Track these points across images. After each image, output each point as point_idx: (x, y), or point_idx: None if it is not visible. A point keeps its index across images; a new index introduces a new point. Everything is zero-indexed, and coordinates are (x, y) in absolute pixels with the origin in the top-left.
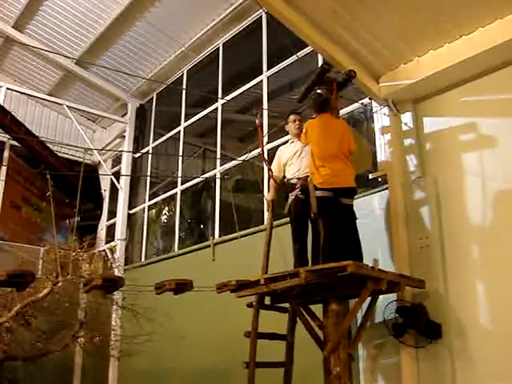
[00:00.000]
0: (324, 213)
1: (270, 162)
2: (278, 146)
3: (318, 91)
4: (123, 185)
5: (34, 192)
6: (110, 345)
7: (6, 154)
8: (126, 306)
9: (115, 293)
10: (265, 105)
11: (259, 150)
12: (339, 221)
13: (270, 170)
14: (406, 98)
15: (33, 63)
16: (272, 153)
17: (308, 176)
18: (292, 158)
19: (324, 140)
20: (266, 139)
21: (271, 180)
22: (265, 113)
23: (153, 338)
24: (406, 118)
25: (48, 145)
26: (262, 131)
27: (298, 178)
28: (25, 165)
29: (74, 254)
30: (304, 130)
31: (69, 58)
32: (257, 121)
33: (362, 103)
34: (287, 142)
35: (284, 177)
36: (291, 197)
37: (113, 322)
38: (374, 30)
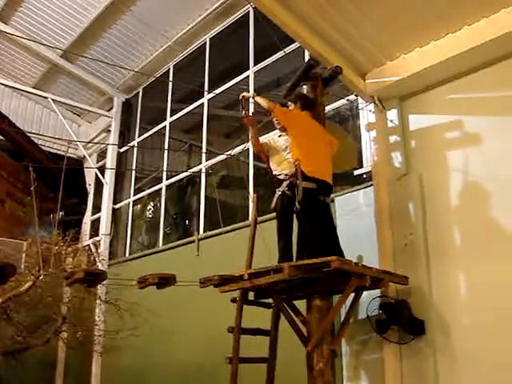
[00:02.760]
0: (307, 205)
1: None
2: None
3: (305, 92)
4: (108, 179)
5: (18, 186)
6: (93, 340)
7: None
8: (110, 300)
9: (98, 287)
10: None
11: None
12: (321, 217)
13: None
14: (392, 95)
15: (18, 56)
16: None
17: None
18: (282, 154)
19: (308, 133)
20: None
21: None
22: (251, 107)
23: (137, 334)
24: (392, 114)
25: (33, 139)
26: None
27: (286, 174)
28: (9, 159)
29: (56, 247)
30: (289, 112)
31: (55, 48)
32: (243, 113)
33: (347, 99)
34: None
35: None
36: (278, 192)
37: (96, 317)
38: (361, 27)
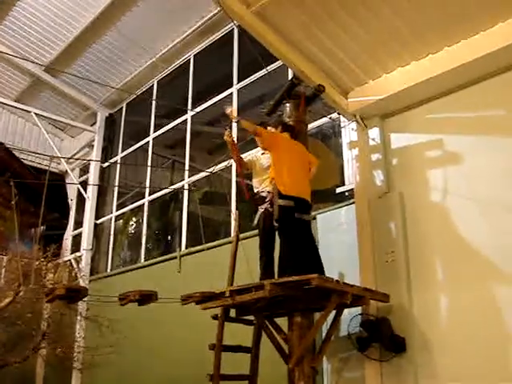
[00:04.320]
0: (286, 223)
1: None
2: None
3: (288, 110)
4: (90, 194)
5: None
6: (72, 356)
7: None
8: (90, 316)
9: (79, 303)
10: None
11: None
12: (300, 234)
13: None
14: (374, 114)
15: (0, 69)
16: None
17: None
18: (264, 172)
19: (289, 153)
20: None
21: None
22: (234, 125)
23: (117, 350)
24: (374, 133)
25: (14, 152)
26: (234, 141)
27: (268, 192)
28: None
29: (37, 263)
30: (273, 132)
31: (38, 64)
32: (226, 132)
33: (330, 118)
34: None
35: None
36: (260, 210)
37: (76, 334)
38: (344, 46)
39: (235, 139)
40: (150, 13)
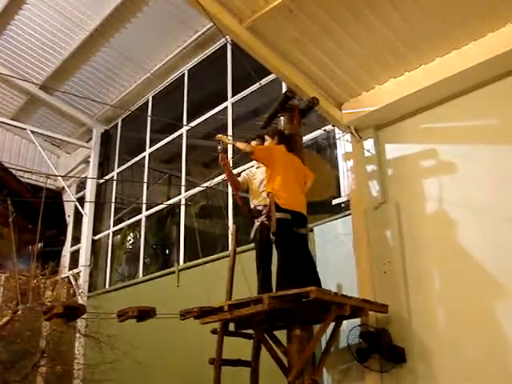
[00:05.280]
0: (283, 236)
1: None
2: (243, 171)
3: (282, 124)
4: (87, 210)
5: None
6: (72, 374)
7: None
8: (89, 333)
9: (78, 320)
10: (230, 131)
11: (225, 174)
12: (297, 247)
13: (237, 195)
14: (368, 125)
15: None
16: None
17: None
18: (260, 186)
19: (285, 166)
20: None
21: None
22: (229, 139)
23: (116, 367)
24: (369, 144)
25: (11, 170)
26: (227, 156)
27: (265, 205)
28: None
29: (35, 281)
30: (268, 148)
31: (33, 83)
32: (219, 147)
33: (325, 130)
34: (252, 166)
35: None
36: (257, 223)
37: (75, 351)
38: (336, 59)
39: (230, 163)
40: (144, 29)
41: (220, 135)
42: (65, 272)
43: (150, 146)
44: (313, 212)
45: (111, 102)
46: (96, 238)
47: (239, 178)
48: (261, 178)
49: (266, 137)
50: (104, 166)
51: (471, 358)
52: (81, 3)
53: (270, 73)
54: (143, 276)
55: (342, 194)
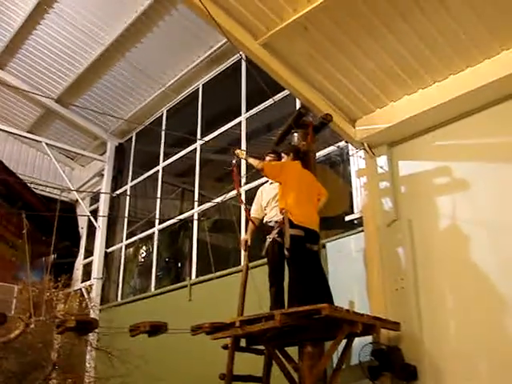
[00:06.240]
0: (296, 252)
1: (246, 202)
2: (257, 186)
3: (296, 140)
4: (101, 223)
5: (9, 229)
6: None
7: None
8: (101, 347)
9: (90, 334)
10: (243, 146)
11: (235, 191)
12: (309, 264)
13: (247, 211)
14: (382, 142)
15: (12, 100)
16: (250, 193)
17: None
18: (271, 202)
19: (298, 183)
20: (243, 180)
21: (249, 221)
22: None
23: (127, 381)
24: (382, 161)
25: (26, 182)
26: (240, 173)
27: (276, 221)
28: (1, 202)
29: (48, 293)
30: (280, 164)
31: (49, 97)
32: (233, 161)
33: (338, 146)
34: (267, 181)
35: (263, 218)
36: (268, 239)
37: (87, 364)
38: (350, 76)
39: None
40: (160, 44)
41: (238, 150)
42: (77, 284)
43: (164, 160)
44: (325, 228)
45: (126, 115)
46: (109, 250)
47: (253, 209)
48: (273, 193)
49: (283, 154)
50: (118, 179)
51: (484, 376)
52: (97, 18)
53: (284, 88)
54: (155, 289)
55: (355, 210)
